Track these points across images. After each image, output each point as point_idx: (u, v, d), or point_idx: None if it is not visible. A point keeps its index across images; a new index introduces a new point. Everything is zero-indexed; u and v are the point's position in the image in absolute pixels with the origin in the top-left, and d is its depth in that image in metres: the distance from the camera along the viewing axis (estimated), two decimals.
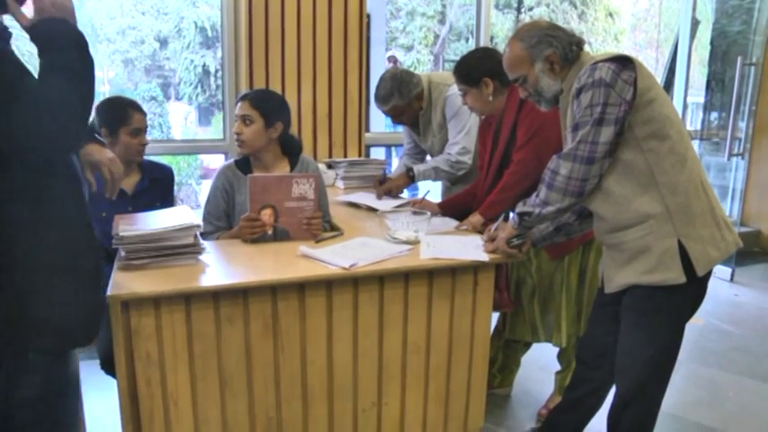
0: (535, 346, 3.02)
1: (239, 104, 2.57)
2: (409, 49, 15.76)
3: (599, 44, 16.96)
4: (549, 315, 2.76)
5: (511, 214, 2.18)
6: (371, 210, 3.00)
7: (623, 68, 1.87)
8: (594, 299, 2.33)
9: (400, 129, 3.63)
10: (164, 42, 14.84)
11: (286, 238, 2.39)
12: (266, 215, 2.36)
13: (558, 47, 2.01)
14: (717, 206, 2.00)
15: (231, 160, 2.72)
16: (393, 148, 8.21)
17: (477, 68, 2.65)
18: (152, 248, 2.02)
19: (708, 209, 1.96)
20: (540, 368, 3.34)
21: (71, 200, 1.55)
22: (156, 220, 2.15)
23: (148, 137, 2.75)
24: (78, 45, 1.50)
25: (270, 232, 2.37)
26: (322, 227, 2.48)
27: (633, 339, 2.06)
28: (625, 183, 1.94)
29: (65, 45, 1.48)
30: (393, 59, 8.55)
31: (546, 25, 2.07)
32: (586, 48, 2.08)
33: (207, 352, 1.99)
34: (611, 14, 17.75)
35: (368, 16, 4.29)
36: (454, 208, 2.95)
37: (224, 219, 2.63)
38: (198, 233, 2.12)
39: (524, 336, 2.84)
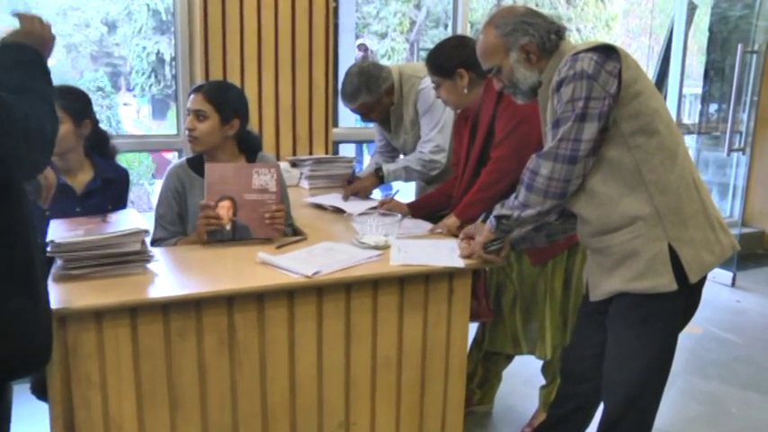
0: (518, 359, 3.04)
1: (192, 97, 2.54)
2: (383, 36, 15.77)
3: (589, 31, 17.07)
4: (531, 325, 2.78)
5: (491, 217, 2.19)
6: (338, 212, 3.00)
7: (607, 59, 1.88)
8: (579, 307, 2.35)
9: (372, 124, 3.63)
10: (112, 26, 14.69)
11: (246, 235, 2.38)
12: (224, 208, 2.35)
13: (536, 35, 2.02)
14: (710, 206, 2.02)
15: (183, 159, 2.71)
16: (365, 145, 8.20)
17: (451, 59, 2.66)
18: (93, 257, 2.00)
19: (701, 209, 1.98)
20: (524, 383, 3.36)
21: (25, 204, 1.55)
22: (99, 225, 2.14)
23: None
24: (47, 74, 1.57)
25: (228, 228, 2.36)
26: (285, 228, 2.48)
27: (621, 352, 2.08)
28: (611, 182, 1.96)
29: (35, 72, 1.54)
30: (363, 48, 8.55)
31: (523, 11, 2.08)
32: (571, 37, 2.09)
33: (155, 371, 1.98)
34: None
35: (335, 0, 4.29)
36: (425, 209, 2.96)
37: (178, 223, 2.60)
38: (146, 239, 2.11)
39: (505, 348, 2.85)
